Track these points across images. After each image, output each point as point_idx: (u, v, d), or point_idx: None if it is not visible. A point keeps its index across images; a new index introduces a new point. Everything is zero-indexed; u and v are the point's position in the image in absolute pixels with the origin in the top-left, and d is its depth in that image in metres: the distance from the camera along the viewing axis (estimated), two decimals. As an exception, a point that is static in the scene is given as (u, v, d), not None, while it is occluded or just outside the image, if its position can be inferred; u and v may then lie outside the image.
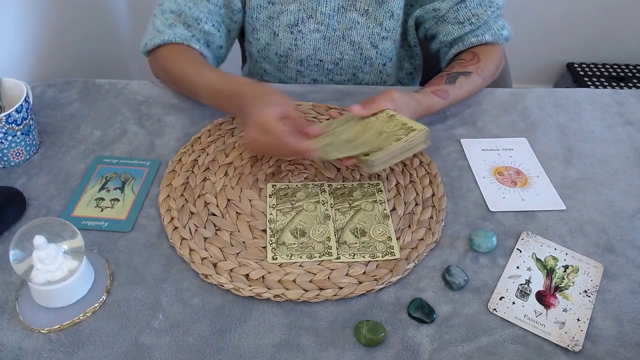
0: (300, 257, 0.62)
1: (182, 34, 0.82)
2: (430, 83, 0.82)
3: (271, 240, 0.63)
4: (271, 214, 0.67)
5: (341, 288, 0.59)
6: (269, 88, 0.71)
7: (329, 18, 0.86)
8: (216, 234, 0.65)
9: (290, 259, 0.62)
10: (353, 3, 0.84)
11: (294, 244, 0.63)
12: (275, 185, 0.70)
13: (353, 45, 0.89)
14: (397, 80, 1.01)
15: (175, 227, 0.65)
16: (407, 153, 0.65)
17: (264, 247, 0.63)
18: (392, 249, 0.63)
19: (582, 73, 1.94)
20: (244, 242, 0.64)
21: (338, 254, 0.62)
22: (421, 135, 0.65)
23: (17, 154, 0.73)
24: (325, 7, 0.85)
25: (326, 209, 0.67)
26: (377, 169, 0.65)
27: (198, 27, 0.83)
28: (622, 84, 1.89)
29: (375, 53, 0.90)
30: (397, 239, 0.64)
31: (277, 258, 0.61)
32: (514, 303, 0.59)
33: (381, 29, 0.87)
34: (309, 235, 0.64)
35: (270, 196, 0.69)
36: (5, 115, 0.68)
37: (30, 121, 0.73)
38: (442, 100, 0.79)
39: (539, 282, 0.61)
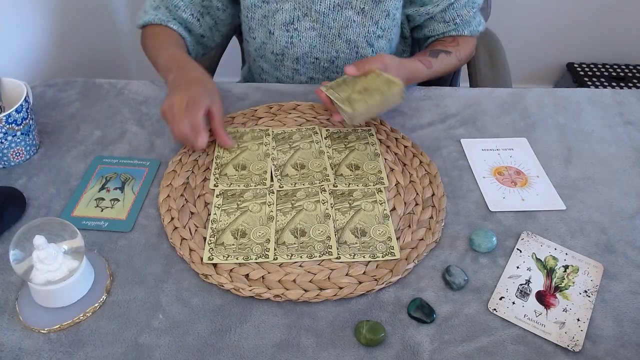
0: (301, 257, 0.62)
1: (163, 16, 0.88)
2: (416, 55, 0.89)
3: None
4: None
5: (341, 288, 0.59)
6: (216, 89, 0.77)
7: (324, 16, 0.86)
8: (216, 234, 0.65)
9: (290, 258, 0.62)
10: (349, 1, 0.85)
11: (294, 243, 0.63)
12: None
13: (349, 44, 0.89)
14: None
15: (175, 227, 0.65)
16: (384, 106, 0.74)
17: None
18: (392, 249, 0.63)
19: (582, 73, 1.94)
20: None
21: (338, 254, 0.62)
22: (397, 90, 0.71)
23: (17, 154, 0.73)
24: (320, 5, 0.85)
25: (326, 209, 0.67)
26: (357, 121, 0.74)
27: (177, 14, 0.89)
28: (622, 84, 1.89)
29: (371, 52, 0.90)
30: (397, 239, 0.64)
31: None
32: (514, 303, 0.59)
33: (377, 28, 0.87)
34: (309, 234, 0.64)
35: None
36: (5, 115, 0.68)
37: (30, 121, 0.73)
38: (426, 69, 0.86)
39: (539, 282, 0.61)
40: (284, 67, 0.94)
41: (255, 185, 0.70)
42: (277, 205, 0.68)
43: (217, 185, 0.70)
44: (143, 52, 0.93)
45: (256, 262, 0.61)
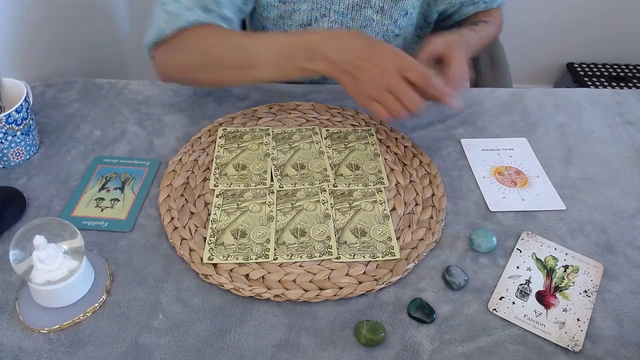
0: (301, 257, 0.62)
1: (205, 17, 0.74)
2: (455, 31, 0.85)
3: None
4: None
5: (341, 288, 0.59)
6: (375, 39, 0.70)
7: (342, 16, 0.85)
8: (216, 234, 0.65)
9: (290, 258, 0.62)
10: (368, 0, 0.84)
11: (294, 243, 0.63)
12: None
13: None
14: None
15: (175, 227, 0.65)
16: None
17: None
18: (392, 249, 0.63)
19: (582, 73, 1.94)
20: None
21: (338, 254, 0.62)
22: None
23: (17, 154, 0.73)
24: (339, 5, 0.83)
25: (326, 209, 0.67)
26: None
27: (218, 11, 0.76)
28: (622, 84, 1.89)
29: None
30: (397, 239, 0.64)
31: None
32: (514, 303, 0.59)
33: (395, 27, 0.86)
34: (309, 234, 0.64)
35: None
36: (5, 115, 0.68)
37: (30, 121, 0.73)
38: (475, 34, 0.83)
39: (539, 282, 0.61)
40: None
41: (255, 185, 0.70)
42: (277, 205, 0.68)
43: (217, 185, 0.70)
44: (173, 59, 0.77)
45: (256, 262, 0.61)
